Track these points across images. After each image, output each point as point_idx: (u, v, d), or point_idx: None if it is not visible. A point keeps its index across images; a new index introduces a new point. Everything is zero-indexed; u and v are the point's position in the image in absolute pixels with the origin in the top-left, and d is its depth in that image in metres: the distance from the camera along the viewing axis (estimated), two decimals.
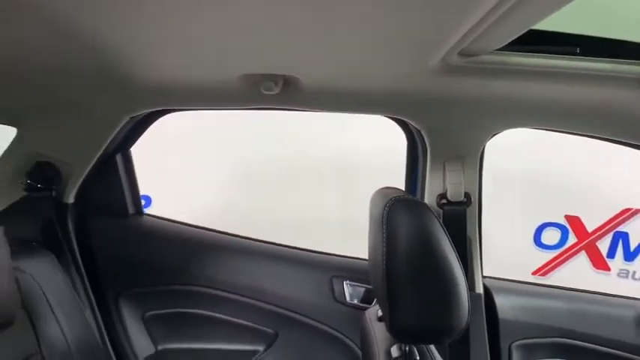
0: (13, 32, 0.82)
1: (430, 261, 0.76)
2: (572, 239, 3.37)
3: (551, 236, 3.18)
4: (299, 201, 2.11)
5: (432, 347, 0.92)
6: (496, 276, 1.50)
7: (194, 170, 2.09)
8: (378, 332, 1.00)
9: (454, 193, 1.27)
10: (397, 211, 0.78)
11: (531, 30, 0.69)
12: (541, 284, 1.60)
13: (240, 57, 0.94)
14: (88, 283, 1.39)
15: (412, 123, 1.25)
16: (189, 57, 0.94)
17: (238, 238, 1.51)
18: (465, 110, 1.16)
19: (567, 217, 3.03)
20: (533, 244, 2.59)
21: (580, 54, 0.87)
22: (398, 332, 0.80)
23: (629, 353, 1.35)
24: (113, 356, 1.39)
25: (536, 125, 1.22)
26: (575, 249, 2.72)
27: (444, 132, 1.25)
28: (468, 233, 1.31)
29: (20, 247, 1.17)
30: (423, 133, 1.26)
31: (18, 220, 1.28)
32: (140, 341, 1.43)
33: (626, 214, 3.36)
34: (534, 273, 2.54)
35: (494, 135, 1.24)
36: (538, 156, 2.22)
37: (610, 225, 3.36)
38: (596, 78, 0.92)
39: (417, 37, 0.76)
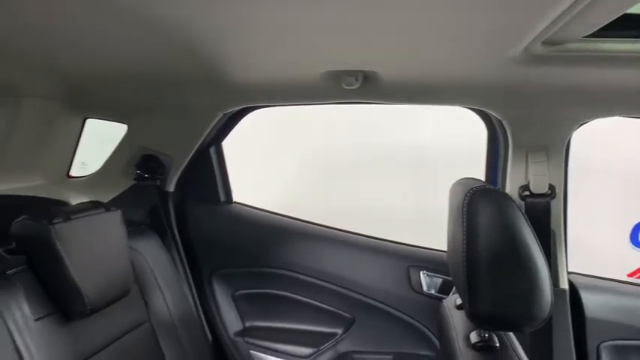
0: (131, 44, 0.95)
1: (511, 249, 0.76)
2: None
3: None
4: (374, 191, 2.13)
5: (512, 335, 0.92)
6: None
7: (272, 160, 2.19)
8: (457, 319, 1.02)
9: (537, 185, 1.24)
10: (478, 201, 0.79)
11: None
12: (633, 283, 1.49)
13: (323, 55, 1.00)
14: (185, 262, 1.56)
15: (493, 114, 1.24)
16: (277, 57, 1.02)
17: (319, 227, 1.59)
18: (550, 100, 1.13)
19: None
20: (630, 243, 2.37)
21: None
22: (478, 319, 0.80)
23: None
24: (207, 329, 1.54)
25: (628, 113, 1.16)
26: None
27: (527, 122, 1.22)
28: (552, 227, 1.27)
29: (131, 229, 1.34)
30: (504, 123, 1.24)
31: (128, 206, 1.45)
32: (230, 317, 1.57)
33: None
34: (631, 275, 2.34)
35: (582, 125, 1.19)
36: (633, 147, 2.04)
37: None
38: None
39: (500, 27, 0.76)
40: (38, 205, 1.48)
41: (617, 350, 1.31)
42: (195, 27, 0.81)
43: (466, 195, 0.80)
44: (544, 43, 0.82)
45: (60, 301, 1.03)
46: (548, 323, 1.22)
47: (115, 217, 1.21)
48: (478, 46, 0.88)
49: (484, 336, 0.88)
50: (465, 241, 0.79)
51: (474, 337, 0.89)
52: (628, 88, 1.02)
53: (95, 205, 1.19)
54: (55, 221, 1.02)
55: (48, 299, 1.02)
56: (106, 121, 1.59)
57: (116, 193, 1.57)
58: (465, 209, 0.79)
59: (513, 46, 0.84)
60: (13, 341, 0.90)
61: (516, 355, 0.85)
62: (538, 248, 0.77)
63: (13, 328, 0.91)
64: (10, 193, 1.48)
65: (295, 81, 1.19)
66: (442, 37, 0.84)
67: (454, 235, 0.86)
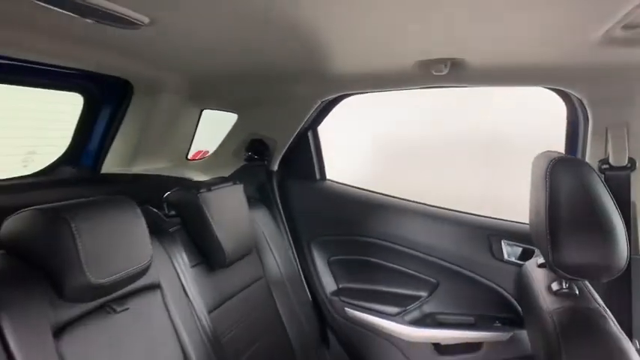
0: (249, 45, 1.14)
1: (591, 209, 0.89)
2: None
3: None
4: (451, 176, 2.24)
5: (589, 285, 1.04)
6: None
7: (350, 146, 2.37)
8: (538, 275, 1.15)
9: (617, 158, 1.32)
10: (560, 168, 0.93)
11: None
12: None
13: (415, 45, 1.15)
14: (288, 231, 1.81)
15: (573, 93, 1.33)
16: (373, 49, 1.18)
17: (404, 200, 1.76)
18: (629, 78, 1.20)
19: None
20: None
21: None
22: (560, 269, 0.94)
23: None
24: (307, 288, 1.78)
25: None
26: None
27: (606, 100, 1.30)
28: (632, 198, 1.34)
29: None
30: (584, 102, 1.33)
31: (240, 183, 1.72)
32: (326, 279, 1.80)
33: None
34: None
35: None
36: None
37: None
38: None
39: (583, 12, 0.86)
40: (170, 183, 1.79)
41: None
42: (306, 26, 0.98)
43: (549, 163, 0.94)
44: (624, 27, 0.92)
45: (206, 253, 1.30)
46: (626, 279, 1.31)
47: (239, 189, 1.47)
48: (561, 31, 0.98)
49: (565, 285, 1.01)
50: (547, 204, 0.93)
51: (555, 285, 1.02)
52: None
53: (224, 180, 1.45)
54: (201, 191, 1.29)
55: (197, 252, 1.30)
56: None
57: (228, 173, 1.84)
58: (548, 176, 0.93)
59: (595, 30, 0.94)
60: (179, 279, 1.18)
61: (594, 300, 0.98)
62: (615, 210, 0.89)
63: (179, 270, 1.19)
64: (145, 173, 1.81)
65: (389, 69, 1.36)
66: (527, 23, 0.94)
67: (537, 199, 1.00)
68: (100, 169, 1.71)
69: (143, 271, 0.99)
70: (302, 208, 1.84)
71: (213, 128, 1.96)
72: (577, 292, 1.01)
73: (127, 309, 0.97)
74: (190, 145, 1.93)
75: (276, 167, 1.81)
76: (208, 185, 1.34)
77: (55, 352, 0.81)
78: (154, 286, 1.08)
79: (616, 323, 0.91)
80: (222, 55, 1.25)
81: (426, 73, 1.30)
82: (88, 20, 0.88)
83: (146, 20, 0.91)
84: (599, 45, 1.02)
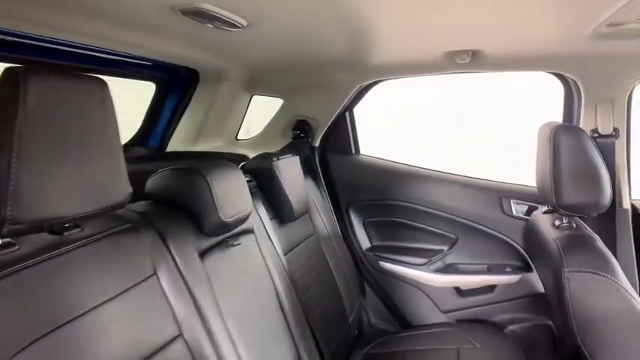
0: (302, 35, 1.34)
1: (584, 161, 1.23)
2: None
3: None
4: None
5: (583, 222, 1.37)
6: None
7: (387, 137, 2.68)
8: (543, 219, 1.48)
9: (604, 128, 1.64)
10: (561, 133, 1.26)
11: None
12: None
13: (444, 38, 1.44)
14: (329, 198, 2.13)
15: (569, 75, 1.65)
16: (406, 41, 1.45)
17: (428, 170, 2.09)
18: (615, 63, 1.52)
19: None
20: None
21: None
22: (562, 207, 1.27)
23: None
24: (345, 245, 2.10)
25: None
26: None
27: (596, 81, 1.62)
28: (616, 160, 1.67)
29: None
30: (578, 83, 1.65)
31: None
32: (362, 237, 2.13)
33: None
34: None
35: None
36: None
37: None
38: None
39: (576, 13, 1.14)
40: (230, 158, 2.09)
41: None
42: (350, 20, 1.19)
43: (552, 130, 1.26)
44: (608, 25, 1.23)
45: (278, 209, 1.61)
46: (612, 229, 1.64)
47: (297, 160, 1.78)
48: (559, 27, 1.28)
49: (565, 220, 1.34)
50: (552, 160, 1.26)
51: (557, 222, 1.36)
52: None
53: (284, 152, 1.76)
54: (273, 160, 1.60)
55: (271, 209, 1.60)
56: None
57: (276, 149, 2.15)
58: (552, 139, 1.26)
59: (587, 27, 1.24)
60: (264, 227, 1.49)
61: (587, 229, 1.32)
62: (603, 164, 1.23)
63: (264, 221, 1.50)
64: (206, 151, 2.11)
65: (420, 59, 1.66)
66: (533, 21, 1.22)
67: (543, 158, 1.33)
68: (165, 148, 2.00)
69: (247, 216, 1.30)
70: (340, 178, 2.16)
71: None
72: (574, 225, 1.34)
73: (239, 244, 1.29)
74: (240, 127, 2.24)
75: (317, 143, 2.13)
76: (276, 156, 1.64)
77: (202, 268, 1.12)
78: (250, 231, 1.39)
79: (604, 245, 1.25)
80: (278, 46, 1.50)
81: (451, 62, 1.61)
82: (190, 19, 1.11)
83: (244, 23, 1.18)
84: (590, 38, 1.33)
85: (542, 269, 1.50)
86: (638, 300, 1.11)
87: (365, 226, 2.15)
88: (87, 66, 1.51)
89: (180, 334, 0.99)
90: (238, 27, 1.20)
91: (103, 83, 0.83)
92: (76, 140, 0.76)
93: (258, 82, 2.02)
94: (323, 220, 1.94)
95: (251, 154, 2.18)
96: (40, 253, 0.78)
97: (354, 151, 2.17)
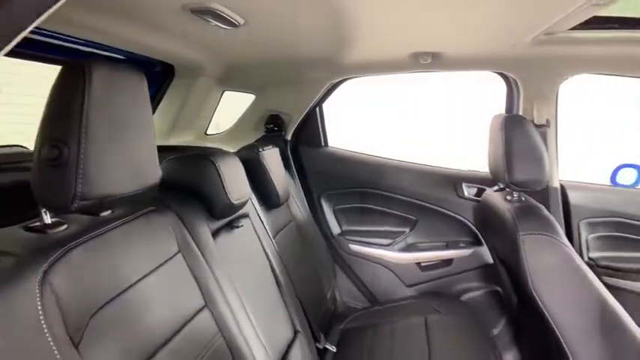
0: (277, 36, 1.46)
1: (528, 144, 1.49)
2: None
3: (628, 176, 3.74)
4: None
5: (530, 197, 1.65)
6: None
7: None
8: (496, 196, 1.74)
9: (539, 119, 1.94)
10: (510, 121, 1.51)
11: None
12: (605, 185, 2.23)
13: (410, 41, 1.64)
14: (301, 187, 2.27)
15: (511, 75, 1.94)
16: (376, 42, 1.63)
17: (391, 160, 2.30)
18: (548, 65, 1.82)
19: None
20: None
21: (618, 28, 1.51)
22: (512, 184, 1.53)
23: None
24: (318, 231, 2.26)
25: (594, 71, 1.85)
26: None
27: (532, 79, 1.91)
28: (548, 146, 1.98)
29: None
30: (518, 81, 1.94)
31: None
32: (332, 224, 2.30)
33: None
34: None
35: (567, 78, 1.89)
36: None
37: None
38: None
39: (518, 23, 1.38)
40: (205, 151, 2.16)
41: (591, 225, 2.04)
42: (326, 21, 1.32)
43: (503, 120, 1.51)
44: (545, 34, 1.50)
45: (266, 197, 1.72)
46: (546, 195, 1.94)
47: (277, 152, 1.90)
48: (504, 35, 1.52)
49: (515, 195, 1.61)
50: (504, 145, 1.50)
51: (509, 197, 1.62)
52: (591, 57, 1.72)
53: (266, 144, 1.87)
54: (259, 150, 1.72)
55: (259, 196, 1.71)
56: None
57: (251, 141, 2.25)
58: (503, 127, 1.51)
59: (527, 35, 1.50)
60: (257, 212, 1.61)
61: (534, 202, 1.59)
62: (544, 147, 1.50)
63: (255, 205, 1.62)
64: (179, 145, 2.16)
65: (388, 58, 1.86)
66: (483, 30, 1.46)
67: (495, 144, 1.58)
68: None
69: (247, 200, 1.42)
70: (312, 169, 2.31)
71: None
72: (523, 199, 1.61)
73: (242, 226, 1.40)
74: (210, 122, 2.31)
75: (290, 137, 2.26)
76: (261, 147, 1.76)
77: (215, 247, 1.23)
78: (246, 215, 1.50)
79: (548, 212, 1.52)
80: (258, 44, 1.59)
81: (415, 62, 1.82)
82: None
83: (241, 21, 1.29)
84: (529, 44, 1.60)
85: (496, 239, 1.76)
86: (576, 255, 1.39)
87: (335, 213, 2.32)
88: (53, 56, 1.48)
89: (205, 306, 1.09)
90: (236, 25, 1.30)
91: (142, 75, 0.92)
92: (125, 124, 0.85)
93: (232, 78, 2.11)
94: (299, 208, 2.08)
95: (227, 148, 2.27)
96: (87, 232, 0.86)
97: (323, 144, 2.33)
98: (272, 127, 2.21)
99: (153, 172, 0.93)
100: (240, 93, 2.29)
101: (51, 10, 0.55)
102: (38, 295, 0.67)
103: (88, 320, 0.76)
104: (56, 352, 0.66)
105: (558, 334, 1.34)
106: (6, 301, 0.64)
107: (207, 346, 1.04)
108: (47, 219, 0.83)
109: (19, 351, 0.63)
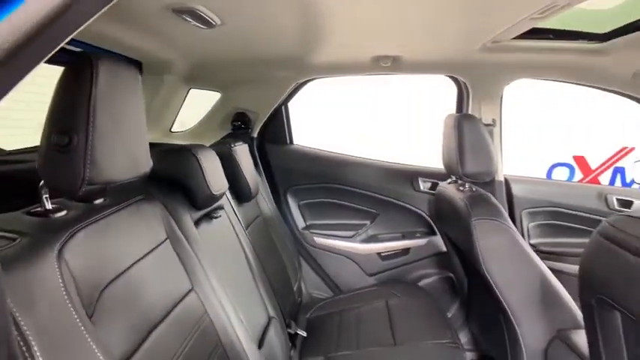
0: (245, 34, 1.53)
1: (480, 140, 1.67)
2: (578, 175, 4.30)
3: (561, 173, 4.14)
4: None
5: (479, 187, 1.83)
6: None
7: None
8: (450, 188, 1.91)
9: (486, 119, 2.15)
10: (464, 120, 1.68)
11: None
12: (543, 179, 2.48)
13: (372, 45, 1.78)
14: (267, 183, 2.34)
15: (461, 78, 2.13)
16: (341, 45, 1.74)
17: (353, 157, 2.43)
18: (494, 69, 2.02)
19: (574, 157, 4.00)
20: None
21: (553, 38, 1.72)
22: (465, 176, 1.70)
23: (590, 214, 2.22)
24: (285, 225, 2.34)
25: (533, 77, 2.08)
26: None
27: (480, 83, 2.11)
28: (494, 143, 2.19)
29: None
30: (467, 84, 2.13)
31: None
32: (298, 219, 2.39)
33: (623, 151, 4.26)
34: None
35: (510, 82, 2.10)
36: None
37: (610, 162, 4.28)
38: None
39: (468, 32, 1.56)
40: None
41: (531, 214, 2.27)
42: (293, 23, 1.40)
43: (457, 118, 1.68)
44: (492, 42, 1.69)
45: (238, 190, 1.79)
46: (492, 187, 2.15)
47: (247, 148, 1.97)
48: (456, 42, 1.69)
49: (467, 186, 1.78)
50: (457, 141, 1.67)
51: (462, 188, 1.79)
52: (531, 63, 1.94)
53: (238, 142, 1.93)
54: (231, 146, 1.78)
55: (231, 190, 1.78)
56: None
57: (214, 140, 2.30)
58: (457, 125, 1.68)
59: (476, 42, 1.69)
60: (231, 205, 1.67)
61: (484, 192, 1.77)
62: (492, 145, 1.68)
63: (230, 199, 1.68)
64: None
65: (352, 60, 1.99)
66: (437, 39, 1.63)
67: (449, 140, 1.74)
68: None
69: (224, 192, 1.48)
70: (277, 165, 2.40)
71: None
72: (474, 189, 1.79)
73: (220, 216, 1.46)
74: (175, 119, 2.32)
75: (256, 134, 2.33)
76: (233, 144, 1.82)
77: (197, 233, 1.29)
78: (222, 207, 1.57)
79: (497, 202, 1.70)
80: (227, 43, 1.63)
81: (377, 65, 1.96)
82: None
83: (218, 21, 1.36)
84: (478, 51, 1.78)
85: (450, 227, 1.93)
86: (521, 238, 1.57)
87: (300, 208, 2.42)
88: None
89: (192, 289, 1.15)
90: (213, 25, 1.37)
91: (137, 69, 0.97)
92: (125, 115, 0.90)
93: (199, 76, 2.14)
94: (267, 203, 2.16)
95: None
96: (87, 216, 0.91)
97: (289, 142, 2.42)
98: (239, 125, 2.27)
99: (146, 162, 0.98)
100: (205, 91, 2.32)
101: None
102: (58, 271, 0.72)
103: (98, 295, 0.81)
104: (81, 325, 0.71)
105: (506, 306, 1.52)
106: (29, 278, 0.68)
107: (196, 325, 1.10)
108: (48, 204, 0.86)
109: (49, 328, 0.66)
